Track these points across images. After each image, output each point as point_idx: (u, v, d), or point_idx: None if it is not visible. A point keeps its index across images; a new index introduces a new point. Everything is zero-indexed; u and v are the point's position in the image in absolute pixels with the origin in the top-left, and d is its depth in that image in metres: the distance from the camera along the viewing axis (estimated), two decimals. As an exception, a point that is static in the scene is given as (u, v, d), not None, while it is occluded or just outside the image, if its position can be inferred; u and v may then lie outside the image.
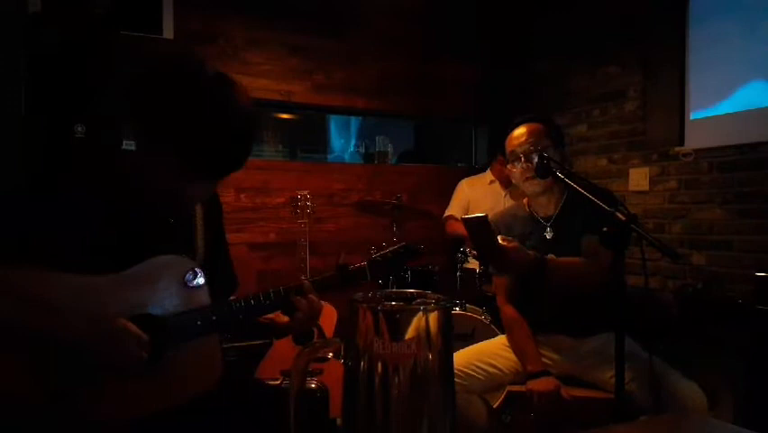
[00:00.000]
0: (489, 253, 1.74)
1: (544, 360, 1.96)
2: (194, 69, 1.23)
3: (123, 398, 1.22)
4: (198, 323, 1.30)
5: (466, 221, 1.71)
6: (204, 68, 1.22)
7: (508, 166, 2.03)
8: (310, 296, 1.46)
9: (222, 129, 1.19)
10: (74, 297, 1.18)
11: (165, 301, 1.28)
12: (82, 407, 1.19)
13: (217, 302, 1.37)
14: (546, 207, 2.03)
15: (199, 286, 1.32)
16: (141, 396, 1.24)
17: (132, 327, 1.18)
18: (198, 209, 1.46)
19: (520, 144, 1.97)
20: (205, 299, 1.33)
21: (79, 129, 2.76)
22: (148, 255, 1.28)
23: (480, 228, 1.69)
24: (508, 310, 2.03)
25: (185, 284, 1.31)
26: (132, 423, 1.22)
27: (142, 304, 1.25)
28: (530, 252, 1.82)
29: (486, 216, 1.67)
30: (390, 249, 1.60)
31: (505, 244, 1.74)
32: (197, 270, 1.33)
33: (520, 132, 1.99)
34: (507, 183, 3.69)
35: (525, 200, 2.11)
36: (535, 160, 1.87)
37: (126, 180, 1.31)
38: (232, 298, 1.48)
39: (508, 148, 2.01)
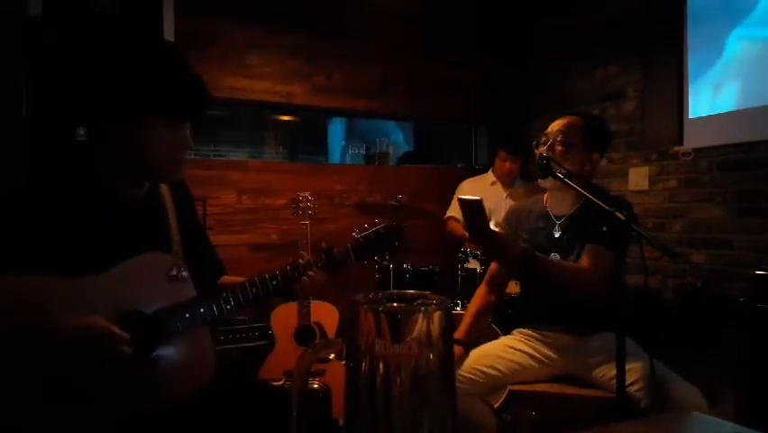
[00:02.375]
0: (479, 235, 1.75)
1: (544, 360, 1.97)
2: (135, 38, 1.41)
3: (118, 395, 1.23)
4: (187, 315, 1.32)
5: (462, 201, 1.72)
6: (140, 36, 1.37)
7: (537, 149, 2.02)
8: (308, 274, 1.51)
9: (186, 72, 1.34)
10: (59, 299, 1.20)
11: (152, 297, 1.30)
12: (78, 405, 1.20)
13: (204, 293, 1.39)
14: (561, 205, 2.03)
15: (183, 279, 1.35)
16: (136, 392, 1.25)
17: (111, 327, 1.19)
18: (167, 196, 1.47)
19: (552, 132, 1.99)
20: (190, 291, 1.36)
21: (81, 132, 2.77)
22: (125, 252, 1.29)
23: (473, 210, 1.71)
24: (480, 289, 2.15)
25: (169, 279, 1.33)
26: (134, 422, 1.23)
27: (130, 302, 1.27)
28: (522, 245, 1.82)
29: (480, 200, 1.69)
30: (372, 230, 1.62)
31: (496, 230, 1.76)
32: (180, 263, 1.36)
33: (560, 121, 2.02)
34: (508, 183, 3.70)
35: (545, 196, 2.12)
36: (557, 151, 1.92)
37: (107, 175, 1.34)
38: (227, 278, 1.51)
39: (545, 131, 2.03)
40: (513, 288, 2.49)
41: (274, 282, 1.47)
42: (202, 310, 1.34)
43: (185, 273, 1.36)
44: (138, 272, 1.31)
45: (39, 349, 1.17)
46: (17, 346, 1.16)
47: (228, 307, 1.38)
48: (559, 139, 1.96)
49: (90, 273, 1.24)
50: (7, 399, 1.16)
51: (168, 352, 1.29)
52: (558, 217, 2.01)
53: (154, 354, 1.28)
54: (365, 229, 1.63)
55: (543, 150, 1.97)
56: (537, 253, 1.79)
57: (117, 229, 1.32)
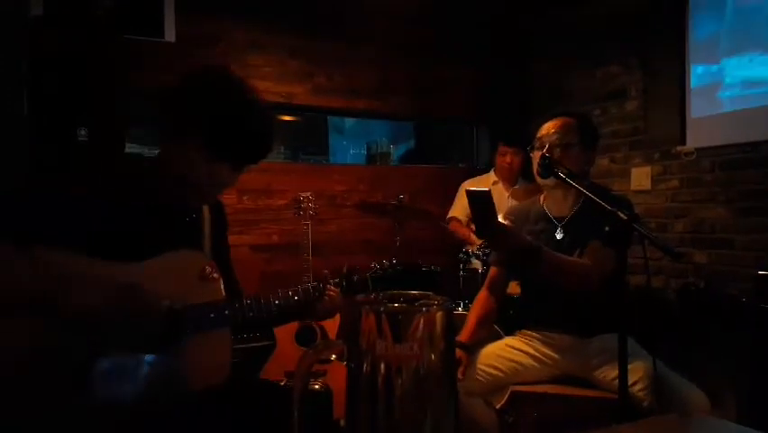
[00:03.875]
0: (486, 227, 1.74)
1: (546, 360, 1.96)
2: (221, 73, 1.40)
3: (132, 386, 1.25)
4: (212, 315, 1.35)
5: (470, 193, 1.71)
6: (228, 72, 1.40)
7: (533, 153, 2.03)
8: (329, 294, 1.54)
9: (246, 120, 1.35)
10: (91, 278, 1.22)
11: (181, 293, 1.33)
12: (98, 390, 1.21)
13: (231, 297, 1.43)
14: (561, 206, 2.02)
15: (214, 280, 1.39)
16: (153, 382, 1.27)
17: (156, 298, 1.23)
18: (206, 217, 1.51)
19: (547, 135, 1.97)
20: (219, 293, 1.40)
21: (82, 132, 2.77)
22: (160, 251, 1.33)
23: (481, 202, 1.68)
24: (481, 294, 2.12)
25: (201, 278, 1.37)
26: (136, 421, 1.24)
27: (160, 294, 1.29)
28: (528, 237, 1.82)
29: (489, 191, 1.67)
30: (390, 265, 1.67)
31: (504, 222, 1.75)
32: (213, 264, 1.40)
33: (551, 123, 2.00)
34: (511, 181, 3.68)
35: (542, 197, 2.11)
36: (557, 153, 1.91)
37: (140, 180, 1.38)
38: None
39: (537, 135, 2.02)
40: (514, 288, 2.48)
41: (296, 298, 1.50)
42: (227, 313, 1.38)
43: (216, 275, 1.39)
44: (172, 267, 1.34)
45: (65, 324, 1.18)
46: (52, 315, 1.18)
47: (251, 314, 1.42)
48: (555, 141, 1.95)
49: (126, 261, 1.27)
50: (33, 374, 1.18)
51: (187, 349, 1.31)
52: (558, 219, 2.00)
53: (173, 349, 1.30)
54: (383, 265, 1.67)
55: (539, 154, 1.95)
56: (543, 247, 1.79)
57: (154, 233, 1.35)
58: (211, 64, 1.50)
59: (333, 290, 1.56)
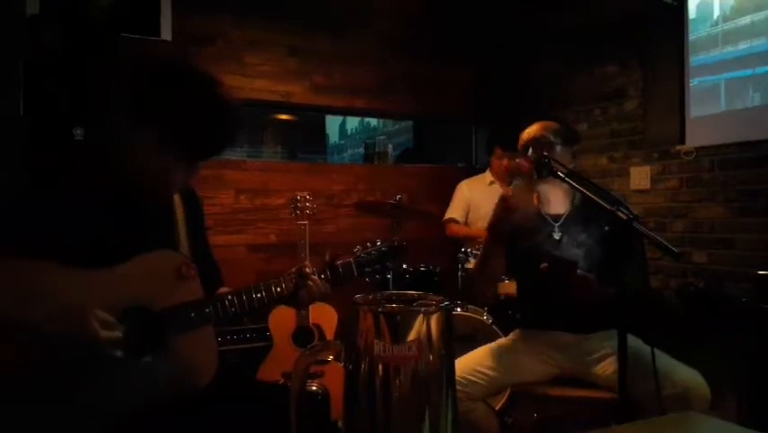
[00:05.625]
0: (568, 290, 1.79)
1: (545, 358, 1.96)
2: (183, 68, 1.35)
3: (119, 392, 1.24)
4: (192, 315, 1.34)
5: (555, 260, 1.78)
6: (192, 68, 1.36)
7: (518, 159, 2.03)
8: (312, 279, 1.52)
9: (199, 120, 1.31)
10: (66, 288, 1.20)
11: (159, 295, 1.32)
12: (79, 401, 1.20)
13: (211, 295, 1.41)
14: (554, 205, 2.02)
15: (192, 279, 1.37)
16: (137, 390, 1.26)
17: (99, 331, 1.17)
18: (178, 205, 1.49)
19: (533, 138, 2.00)
20: (198, 291, 1.38)
21: (78, 132, 2.76)
22: (134, 251, 1.31)
23: (565, 271, 1.76)
24: None
25: (178, 278, 1.35)
26: (134, 422, 1.23)
27: (137, 297, 1.28)
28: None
29: (576, 263, 1.76)
30: (374, 248, 1.65)
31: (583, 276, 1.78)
32: (189, 263, 1.38)
33: (534, 126, 2.05)
34: (507, 182, 3.67)
35: (534, 196, 2.11)
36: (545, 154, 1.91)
37: (114, 177, 1.35)
38: (224, 290, 1.52)
39: (522, 139, 2.05)
40: (513, 288, 2.47)
41: (278, 289, 1.48)
42: (207, 311, 1.37)
43: (193, 273, 1.38)
44: (148, 269, 1.33)
45: (45, 339, 1.17)
46: (23, 335, 1.16)
47: (233, 309, 1.41)
48: (542, 142, 1.99)
49: (100, 266, 1.25)
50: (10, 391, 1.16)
51: (171, 351, 1.30)
52: (554, 218, 2.01)
53: (157, 352, 1.29)
54: (366, 247, 1.65)
55: (528, 161, 1.94)
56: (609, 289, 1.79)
57: (126, 229, 1.33)
58: (171, 58, 1.48)
59: (314, 279, 1.54)
